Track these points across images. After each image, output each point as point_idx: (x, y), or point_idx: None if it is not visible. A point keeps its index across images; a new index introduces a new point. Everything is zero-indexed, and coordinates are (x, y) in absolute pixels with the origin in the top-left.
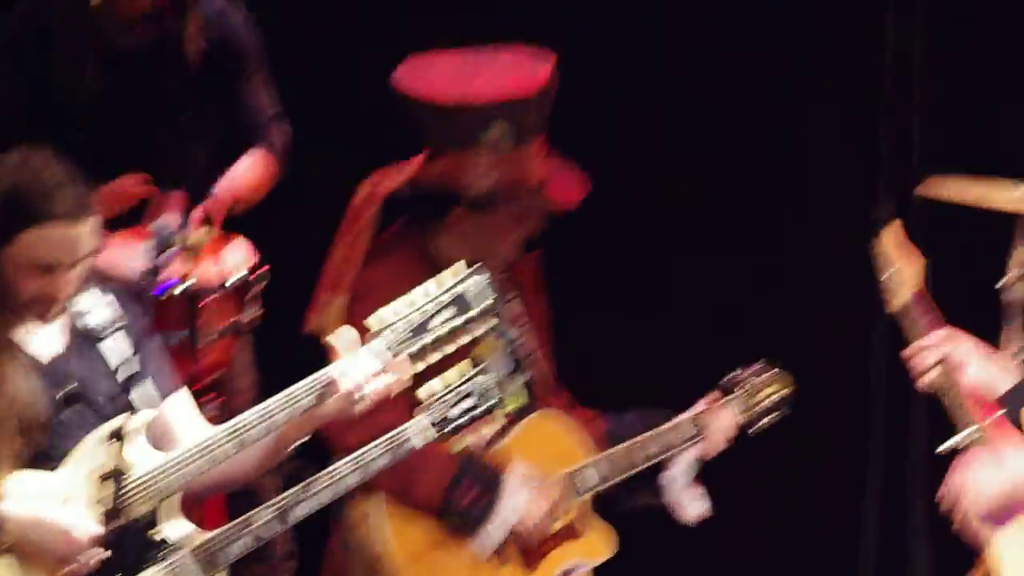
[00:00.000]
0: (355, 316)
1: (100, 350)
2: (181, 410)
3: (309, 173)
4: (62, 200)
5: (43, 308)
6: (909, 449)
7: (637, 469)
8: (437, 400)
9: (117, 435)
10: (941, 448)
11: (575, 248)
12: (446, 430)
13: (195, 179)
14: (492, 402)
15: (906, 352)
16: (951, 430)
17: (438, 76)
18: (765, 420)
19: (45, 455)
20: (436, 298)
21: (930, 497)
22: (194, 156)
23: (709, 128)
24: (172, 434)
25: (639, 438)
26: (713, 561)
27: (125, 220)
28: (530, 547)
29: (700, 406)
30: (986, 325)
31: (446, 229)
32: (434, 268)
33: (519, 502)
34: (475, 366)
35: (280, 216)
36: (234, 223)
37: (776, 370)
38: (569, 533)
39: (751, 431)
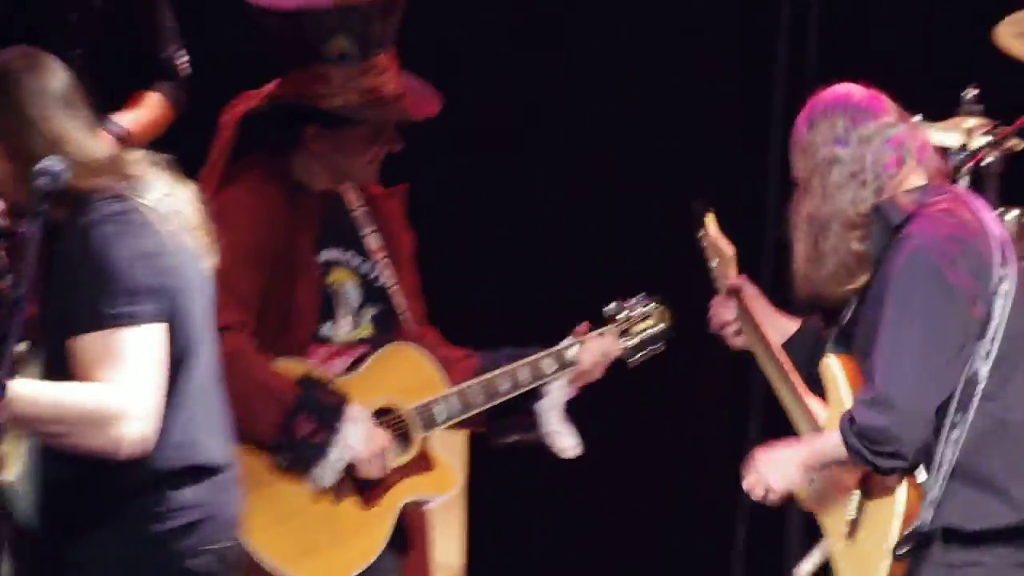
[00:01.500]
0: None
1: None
2: None
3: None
4: None
5: None
6: None
7: (495, 402)
8: None
9: None
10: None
11: (446, 185)
12: None
13: None
14: None
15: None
16: None
17: None
18: (641, 354)
19: None
20: None
21: None
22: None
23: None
24: None
25: (497, 371)
26: (588, 506)
27: None
28: (369, 481)
29: (569, 339)
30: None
31: (302, 149)
32: (293, 191)
33: (358, 436)
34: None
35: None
36: None
37: (655, 303)
38: (415, 467)
39: (629, 363)
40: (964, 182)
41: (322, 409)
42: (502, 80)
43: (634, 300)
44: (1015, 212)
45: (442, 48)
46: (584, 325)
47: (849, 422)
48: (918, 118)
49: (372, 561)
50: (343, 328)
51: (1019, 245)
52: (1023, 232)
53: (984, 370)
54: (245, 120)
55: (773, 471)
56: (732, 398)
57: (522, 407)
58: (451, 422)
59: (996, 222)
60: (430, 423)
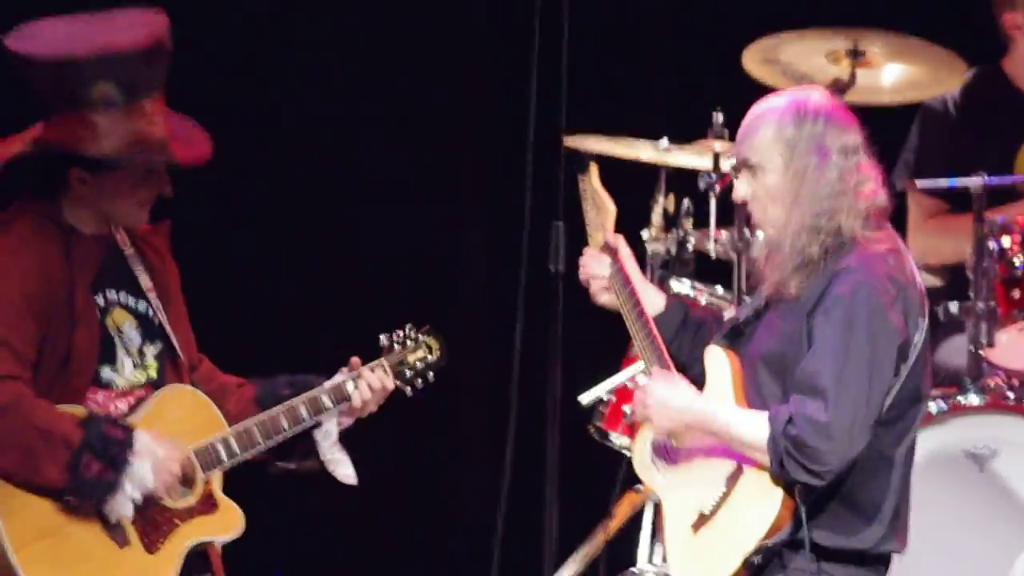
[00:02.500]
0: None
1: None
2: None
3: None
4: None
5: None
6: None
7: (276, 440)
8: None
9: None
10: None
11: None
12: None
13: None
14: None
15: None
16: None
17: (44, 36)
18: (417, 384)
19: None
20: None
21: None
22: None
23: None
24: None
25: (277, 409)
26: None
27: None
28: (155, 526)
29: (344, 372)
30: None
31: (71, 194)
32: (65, 235)
33: (147, 468)
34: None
35: None
36: None
37: (426, 332)
38: (199, 509)
39: (408, 394)
40: (713, 203)
41: (108, 446)
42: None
43: (406, 330)
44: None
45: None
46: (357, 359)
47: (786, 423)
48: (664, 141)
49: None
50: (125, 370)
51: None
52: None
53: (884, 408)
54: (8, 167)
55: (663, 407)
56: (490, 415)
57: (300, 435)
58: (234, 462)
59: (919, 272)
60: (212, 464)
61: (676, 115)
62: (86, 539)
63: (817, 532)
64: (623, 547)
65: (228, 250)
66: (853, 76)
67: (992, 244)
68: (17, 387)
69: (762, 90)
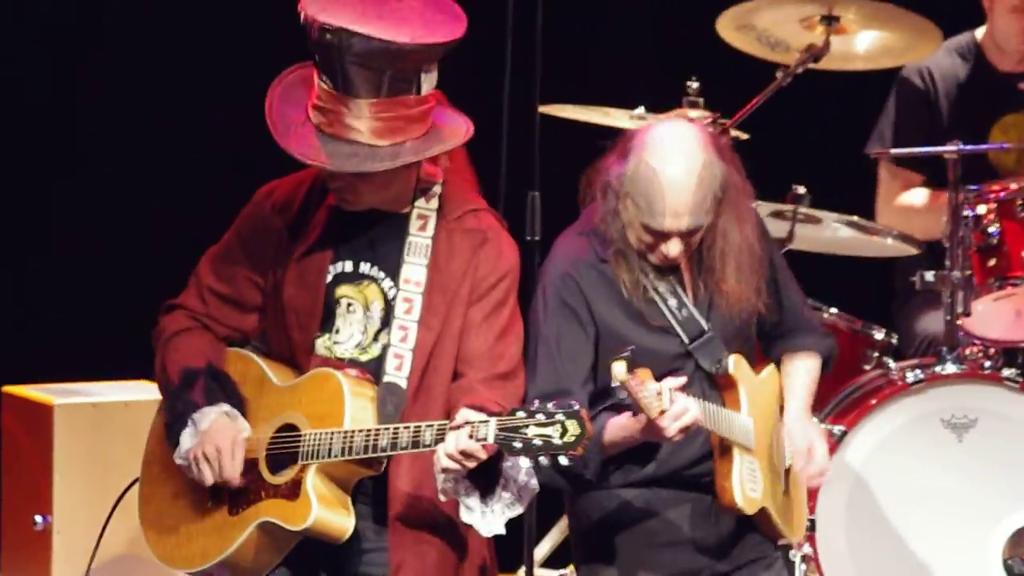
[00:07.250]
0: None
1: None
2: None
3: None
4: None
5: None
6: None
7: (374, 455)
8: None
9: None
10: None
11: None
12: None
13: None
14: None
15: None
16: None
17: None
18: (523, 456)
19: None
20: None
21: None
22: None
23: None
24: None
25: (385, 427)
26: None
27: None
28: (247, 488)
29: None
30: None
31: None
32: (328, 206)
33: (209, 422)
34: None
35: None
36: None
37: (567, 414)
38: (283, 491)
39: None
40: None
41: (175, 403)
42: None
43: (548, 404)
44: None
45: None
46: (467, 413)
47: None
48: (640, 109)
49: (209, 565)
50: (343, 346)
51: None
52: None
53: None
54: None
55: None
56: None
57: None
58: (328, 460)
59: None
60: (313, 455)
61: (651, 83)
62: (194, 486)
63: None
64: None
65: None
66: (827, 42)
67: (967, 213)
68: (178, 317)
69: (737, 57)
